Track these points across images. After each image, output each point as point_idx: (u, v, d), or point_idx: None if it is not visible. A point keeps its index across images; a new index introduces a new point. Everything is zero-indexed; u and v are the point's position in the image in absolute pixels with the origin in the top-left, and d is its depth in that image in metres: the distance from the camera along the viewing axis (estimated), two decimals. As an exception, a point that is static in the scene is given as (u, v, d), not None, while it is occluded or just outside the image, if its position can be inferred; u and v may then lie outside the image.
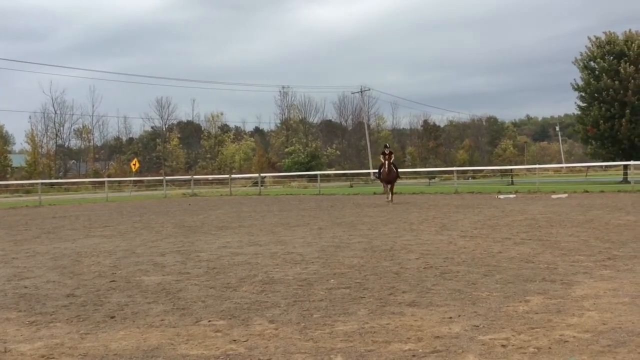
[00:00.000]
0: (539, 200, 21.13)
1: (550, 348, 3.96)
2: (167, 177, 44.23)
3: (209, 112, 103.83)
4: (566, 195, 23.57)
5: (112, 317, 5.18)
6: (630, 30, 38.08)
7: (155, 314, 5.25)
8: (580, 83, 38.60)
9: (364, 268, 7.36)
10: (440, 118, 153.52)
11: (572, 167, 61.88)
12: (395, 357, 3.90)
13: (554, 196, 22.76)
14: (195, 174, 55.67)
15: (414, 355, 3.91)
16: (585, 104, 38.57)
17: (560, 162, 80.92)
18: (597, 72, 37.33)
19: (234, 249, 9.55)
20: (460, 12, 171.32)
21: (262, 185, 41.42)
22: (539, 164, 64.24)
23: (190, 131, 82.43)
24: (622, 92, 35.84)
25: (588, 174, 55.05)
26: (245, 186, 46.78)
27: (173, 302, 5.75)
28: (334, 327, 4.66)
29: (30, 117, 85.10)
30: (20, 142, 76.31)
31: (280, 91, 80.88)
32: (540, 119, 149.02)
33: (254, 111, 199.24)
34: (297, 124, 79.50)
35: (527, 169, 58.49)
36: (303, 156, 66.21)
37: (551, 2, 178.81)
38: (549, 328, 4.43)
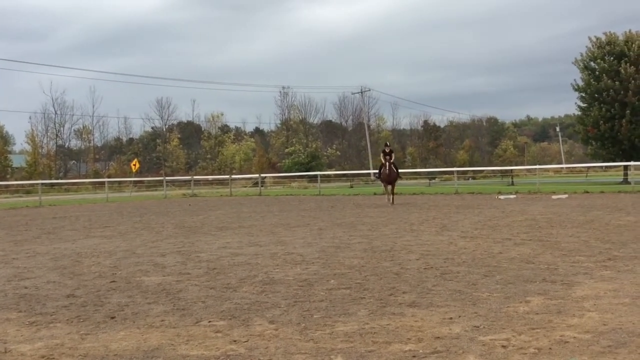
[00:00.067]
0: (539, 200, 21.13)
1: (550, 349, 3.96)
2: (167, 178, 44.24)
3: (209, 112, 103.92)
4: (566, 195, 23.57)
5: (113, 318, 5.18)
6: (630, 30, 38.13)
7: (156, 315, 5.25)
8: (581, 83, 38.62)
9: (365, 268, 7.36)
10: (440, 118, 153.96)
11: (573, 167, 61.93)
12: (395, 357, 3.90)
13: (554, 197, 22.75)
14: (196, 175, 55.68)
15: (414, 356, 3.91)
16: (585, 105, 38.57)
17: (561, 163, 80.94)
18: (597, 73, 37.33)
19: (234, 250, 9.55)
20: (460, 12, 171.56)
21: (262, 186, 41.42)
22: (539, 164, 64.22)
23: (190, 131, 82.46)
24: (622, 92, 35.84)
25: (588, 174, 55.07)
26: (245, 187, 46.79)
27: (173, 302, 5.75)
28: (334, 327, 4.66)
29: (30, 118, 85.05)
30: (20, 143, 76.44)
31: (280, 91, 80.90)
32: (540, 119, 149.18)
33: (254, 111, 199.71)
34: (297, 124, 79.51)
35: (528, 170, 58.48)
36: (303, 156, 66.23)
37: (551, 2, 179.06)
38: (550, 329, 4.43)
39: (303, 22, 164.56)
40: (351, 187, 45.43)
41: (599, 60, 37.30)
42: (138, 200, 32.02)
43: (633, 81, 35.64)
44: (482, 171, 58.23)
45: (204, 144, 77.12)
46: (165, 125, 78.36)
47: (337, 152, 77.61)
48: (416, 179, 51.32)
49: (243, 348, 4.19)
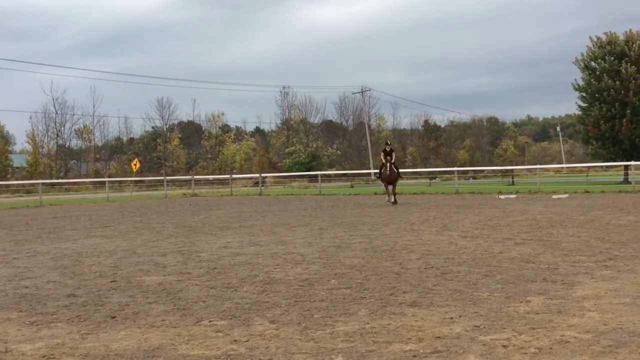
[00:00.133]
0: (539, 200, 21.12)
1: (551, 348, 3.96)
2: (167, 177, 44.24)
3: (209, 112, 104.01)
4: (567, 195, 23.56)
5: (113, 317, 5.18)
6: (630, 30, 38.15)
7: (156, 314, 5.25)
8: (581, 83, 38.62)
9: (365, 268, 7.36)
10: (441, 118, 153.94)
11: (573, 167, 61.93)
12: (396, 357, 3.90)
13: (554, 196, 22.75)
14: (196, 174, 55.69)
15: (414, 356, 3.91)
16: (586, 104, 38.58)
17: (561, 163, 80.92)
18: (598, 73, 37.33)
19: (235, 249, 9.55)
20: (460, 12, 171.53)
21: (262, 186, 41.43)
22: (540, 164, 64.23)
23: (191, 131, 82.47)
24: (623, 92, 35.84)
25: (589, 174, 55.07)
26: (246, 186, 46.78)
27: (174, 302, 5.75)
28: (335, 327, 4.66)
29: (31, 117, 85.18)
30: (21, 142, 76.51)
31: (281, 91, 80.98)
32: (541, 119, 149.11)
33: (254, 111, 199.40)
34: (298, 124, 79.52)
35: (528, 169, 58.45)
36: (304, 156, 66.22)
37: (551, 2, 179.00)
38: (550, 328, 4.43)
39: (303, 22, 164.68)
40: (352, 186, 45.42)
41: (599, 60, 37.30)
42: (139, 200, 32.03)
43: (634, 81, 35.64)
44: (482, 171, 58.27)
45: (204, 143, 77.12)
46: (166, 125, 78.42)
47: (338, 152, 77.59)
48: (417, 178, 51.33)
49: (244, 348, 4.19)
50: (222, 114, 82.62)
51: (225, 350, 4.14)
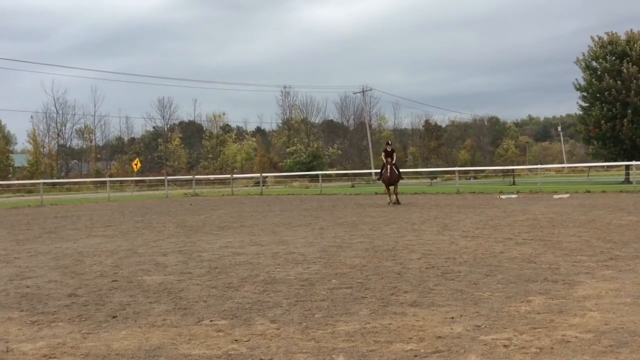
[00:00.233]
0: (540, 200, 21.11)
1: (552, 348, 3.96)
2: (168, 177, 44.27)
3: (210, 112, 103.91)
4: (568, 195, 23.55)
5: (114, 317, 5.18)
6: (632, 30, 38.09)
7: (157, 314, 5.25)
8: (582, 83, 38.59)
9: (366, 268, 7.36)
10: (441, 118, 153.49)
11: (574, 167, 61.83)
12: (397, 357, 3.90)
13: (555, 196, 22.73)
14: (197, 174, 55.66)
15: (415, 356, 3.91)
16: (587, 104, 38.55)
17: (562, 162, 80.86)
18: (599, 72, 37.29)
19: (236, 249, 9.56)
20: (461, 12, 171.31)
21: (263, 185, 41.43)
22: (541, 164, 64.17)
23: (192, 131, 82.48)
24: (624, 92, 35.81)
25: (590, 174, 55.00)
26: (246, 186, 46.79)
27: (175, 301, 5.75)
28: (335, 327, 4.66)
29: (32, 117, 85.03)
30: (22, 142, 76.37)
31: (281, 91, 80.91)
32: (542, 119, 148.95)
33: (255, 111, 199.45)
34: (299, 124, 79.50)
35: (529, 169, 58.42)
36: (305, 156, 66.20)
37: (551, 2, 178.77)
38: (551, 328, 4.43)
39: (303, 22, 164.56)
40: (352, 186, 45.41)
41: (600, 60, 37.26)
42: (139, 200, 32.04)
43: (635, 81, 35.60)
44: (483, 171, 58.26)
45: (205, 143, 77.13)
46: (167, 124, 78.43)
47: (339, 152, 77.55)
48: (418, 178, 51.32)
49: (244, 347, 4.19)
50: (223, 114, 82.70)
51: (226, 350, 4.14)
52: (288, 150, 70.66)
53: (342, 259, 8.13)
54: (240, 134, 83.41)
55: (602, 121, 36.36)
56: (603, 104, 36.53)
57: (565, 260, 7.52)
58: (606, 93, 36.34)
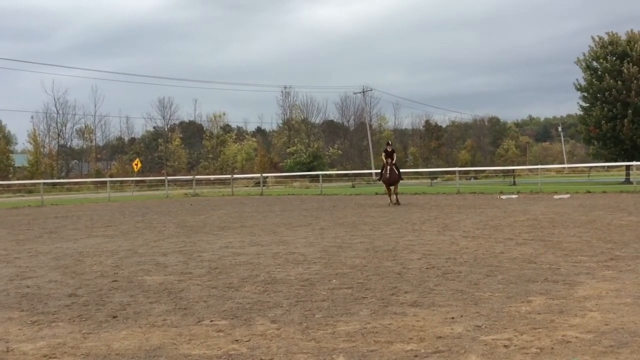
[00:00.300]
0: (541, 200, 21.11)
1: (552, 348, 3.96)
2: (169, 177, 44.27)
3: (211, 112, 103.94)
4: (568, 195, 23.54)
5: (115, 317, 5.18)
6: (632, 30, 38.08)
7: (158, 314, 5.25)
8: (583, 83, 38.59)
9: (366, 268, 7.36)
10: (442, 118, 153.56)
11: (574, 167, 61.88)
12: (397, 357, 3.90)
13: (556, 197, 22.73)
14: (197, 174, 55.67)
15: (416, 356, 3.91)
16: (587, 105, 38.55)
17: (563, 163, 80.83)
18: (599, 73, 37.29)
19: (236, 249, 9.56)
20: (461, 12, 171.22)
21: (264, 186, 41.43)
22: (541, 164, 64.14)
23: (192, 131, 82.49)
24: (624, 92, 35.81)
25: (590, 174, 55.00)
26: (247, 186, 46.79)
27: (175, 302, 5.75)
28: (336, 327, 4.66)
29: (32, 117, 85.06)
30: (22, 142, 76.51)
31: (282, 91, 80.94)
32: (542, 119, 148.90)
33: (256, 111, 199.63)
34: (299, 124, 79.48)
35: (529, 170, 58.43)
36: (305, 156, 66.22)
37: (551, 2, 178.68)
38: (552, 328, 4.43)
39: (304, 22, 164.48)
40: (353, 186, 45.42)
41: (601, 60, 37.26)
42: (140, 200, 32.05)
43: (635, 81, 35.60)
44: (484, 171, 58.27)
45: (205, 143, 77.14)
46: (167, 125, 78.47)
47: (339, 152, 77.54)
48: (418, 178, 51.30)
49: (245, 347, 4.19)
50: (224, 114, 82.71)
51: (227, 350, 4.14)
52: (288, 150, 70.66)
53: (343, 259, 8.13)
54: (241, 134, 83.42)
55: (603, 121, 36.36)
56: (603, 104, 36.53)
57: (565, 261, 7.51)
58: (607, 93, 36.35)
